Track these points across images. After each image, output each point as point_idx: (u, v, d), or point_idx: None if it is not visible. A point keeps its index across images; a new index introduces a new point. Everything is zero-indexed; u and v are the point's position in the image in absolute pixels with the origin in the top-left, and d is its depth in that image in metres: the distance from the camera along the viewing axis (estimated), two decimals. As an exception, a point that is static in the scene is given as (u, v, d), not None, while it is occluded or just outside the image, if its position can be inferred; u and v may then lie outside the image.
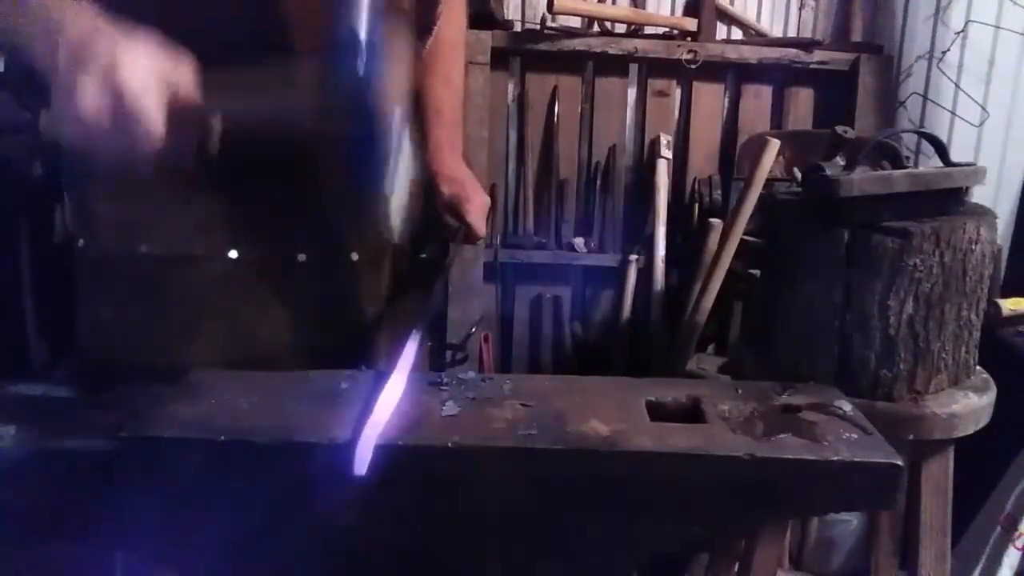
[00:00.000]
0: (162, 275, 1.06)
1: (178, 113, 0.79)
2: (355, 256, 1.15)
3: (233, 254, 1.08)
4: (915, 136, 2.01)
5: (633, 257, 2.59)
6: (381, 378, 0.93)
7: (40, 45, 0.82)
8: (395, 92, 0.80)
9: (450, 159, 1.33)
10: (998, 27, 2.31)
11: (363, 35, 0.78)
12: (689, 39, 2.53)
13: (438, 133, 1.32)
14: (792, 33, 2.67)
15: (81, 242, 1.10)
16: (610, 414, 0.92)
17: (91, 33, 0.80)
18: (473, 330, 2.44)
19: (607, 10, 2.56)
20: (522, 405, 0.95)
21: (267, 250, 1.09)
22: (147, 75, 0.78)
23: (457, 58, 1.38)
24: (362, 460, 0.81)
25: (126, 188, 1.06)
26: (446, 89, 1.33)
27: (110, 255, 1.08)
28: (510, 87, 2.60)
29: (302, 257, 1.11)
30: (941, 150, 1.29)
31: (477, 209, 1.31)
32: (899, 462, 0.87)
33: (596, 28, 2.57)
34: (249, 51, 1.00)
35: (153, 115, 0.77)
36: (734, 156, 2.59)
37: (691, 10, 2.59)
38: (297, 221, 1.11)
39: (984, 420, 1.23)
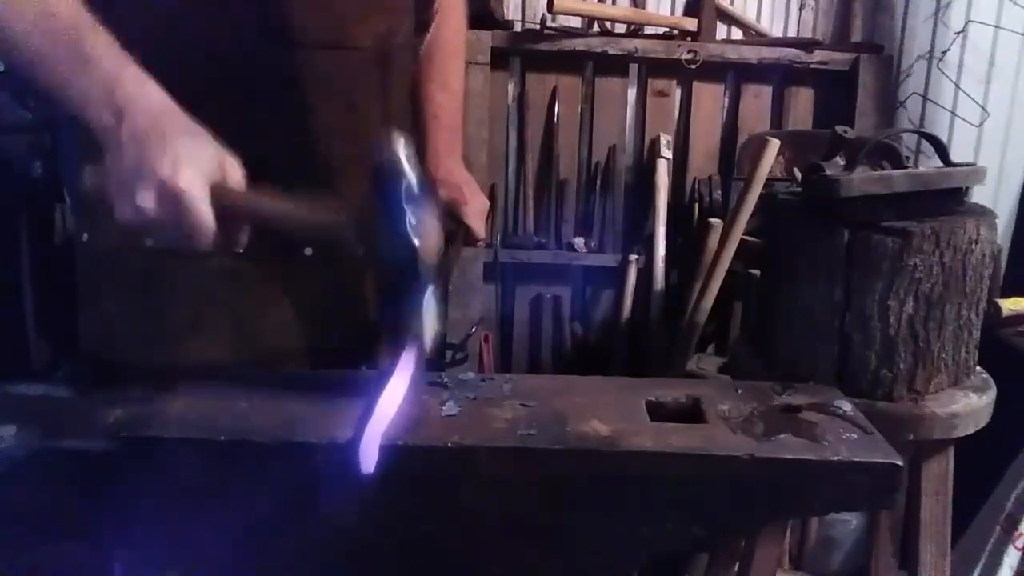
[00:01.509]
0: (166, 269, 1.06)
1: (225, 213, 0.83)
2: (361, 250, 1.15)
3: (238, 248, 1.08)
4: (915, 136, 2.01)
5: (633, 257, 2.59)
6: (383, 378, 0.93)
7: (102, 116, 0.85)
8: (429, 242, 0.86)
9: (447, 163, 1.33)
10: (998, 27, 2.31)
11: (406, 177, 0.85)
12: (689, 39, 2.53)
13: (435, 138, 1.32)
14: (792, 33, 2.67)
15: (85, 237, 1.11)
16: (610, 414, 0.92)
17: (154, 129, 0.83)
18: (473, 330, 2.44)
19: (607, 10, 2.56)
20: (522, 405, 0.95)
21: (272, 244, 1.10)
22: (204, 180, 0.82)
23: (456, 61, 1.38)
24: (368, 459, 0.81)
25: None
26: (444, 93, 1.33)
27: (114, 250, 1.08)
28: (510, 87, 2.60)
29: (308, 251, 1.11)
30: (941, 150, 1.29)
31: (475, 211, 1.31)
32: (899, 462, 0.87)
33: (596, 28, 2.57)
34: (252, 43, 1.00)
35: (206, 219, 0.81)
36: (734, 156, 2.59)
37: (691, 10, 2.59)
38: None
39: (984, 420, 1.24)
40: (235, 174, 0.86)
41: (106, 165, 0.84)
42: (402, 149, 0.85)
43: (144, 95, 0.86)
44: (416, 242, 0.84)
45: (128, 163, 0.82)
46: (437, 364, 1.97)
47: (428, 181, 1.31)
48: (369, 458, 0.81)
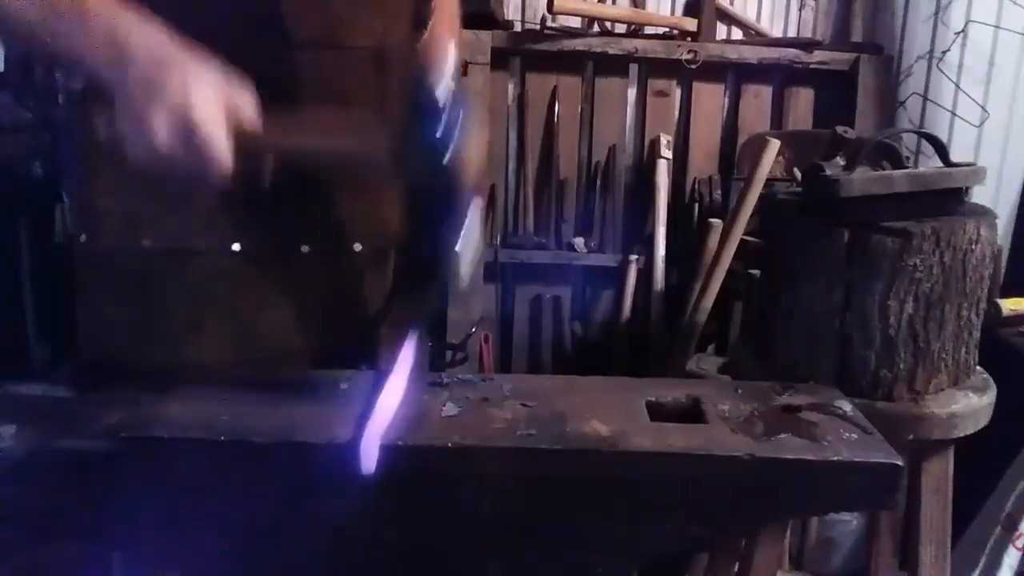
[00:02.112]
0: (165, 269, 1.06)
1: (242, 142, 0.81)
2: (358, 247, 1.15)
3: (236, 247, 1.08)
4: (915, 136, 2.01)
5: (633, 257, 2.59)
6: (381, 378, 0.93)
7: (106, 67, 0.84)
8: (471, 158, 0.84)
9: None
10: (998, 27, 2.30)
11: (443, 102, 0.81)
12: (689, 39, 2.53)
13: None
14: (792, 33, 2.67)
15: (83, 237, 1.11)
16: (610, 414, 0.92)
17: (160, 62, 0.82)
18: (473, 330, 2.44)
19: (607, 10, 2.56)
20: (522, 405, 0.95)
21: (270, 243, 1.09)
22: (216, 106, 0.80)
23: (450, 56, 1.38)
24: (368, 459, 0.81)
25: (128, 182, 1.06)
26: None
27: (113, 250, 1.08)
28: (510, 87, 2.60)
29: (305, 249, 1.11)
30: (941, 150, 1.29)
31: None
32: (899, 462, 0.87)
33: (596, 28, 2.57)
34: (248, 43, 1.00)
35: (222, 146, 0.79)
36: (734, 156, 2.59)
37: (691, 10, 2.59)
38: (300, 212, 1.11)
39: (984, 420, 1.23)
40: (249, 103, 0.83)
41: (116, 111, 0.82)
42: (446, 63, 0.82)
43: (144, 36, 0.84)
44: (456, 162, 0.80)
45: (136, 100, 0.80)
46: (438, 362, 1.97)
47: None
48: (369, 458, 0.81)
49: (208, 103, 0.79)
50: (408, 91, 0.83)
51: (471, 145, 0.83)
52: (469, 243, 0.84)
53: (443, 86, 0.82)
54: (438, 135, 0.80)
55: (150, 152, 0.79)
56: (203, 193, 0.82)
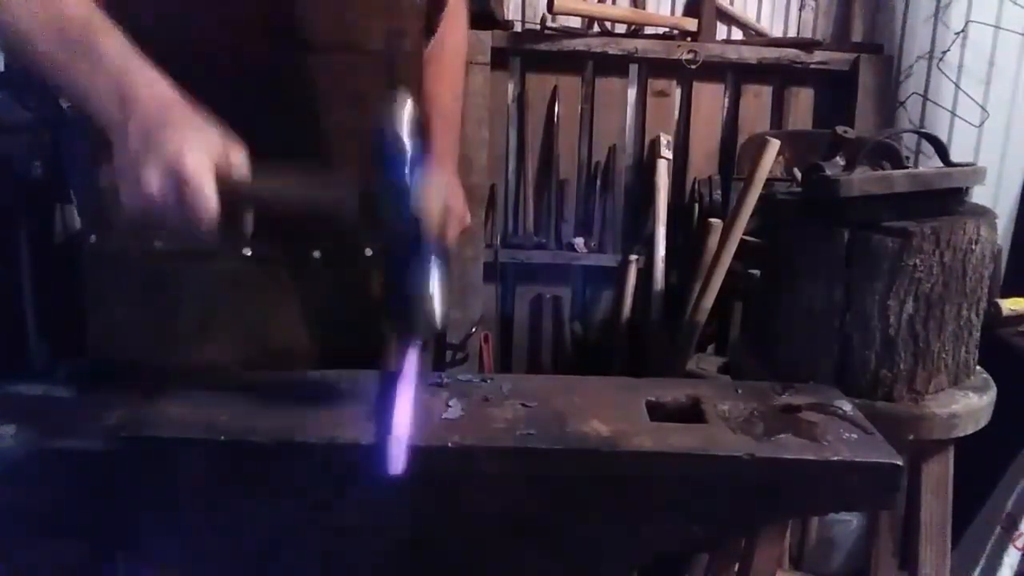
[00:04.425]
0: (176, 272, 1.06)
1: (230, 198, 0.83)
2: (369, 252, 1.15)
3: (247, 251, 1.08)
4: (915, 136, 2.01)
5: (633, 257, 2.59)
6: (392, 378, 0.93)
7: (110, 109, 0.86)
8: (434, 200, 0.86)
9: (446, 166, 1.33)
10: (998, 27, 2.30)
11: (409, 147, 0.84)
12: (689, 39, 2.53)
13: (443, 139, 1.33)
14: (792, 33, 2.67)
15: (93, 239, 1.10)
16: (610, 414, 0.92)
17: (161, 114, 0.84)
18: (473, 330, 2.44)
19: (607, 10, 2.56)
20: (522, 405, 0.95)
21: (281, 247, 1.09)
22: (207, 162, 0.82)
23: (460, 64, 1.38)
24: (396, 459, 0.81)
25: None
26: (450, 96, 1.34)
27: (123, 252, 1.08)
28: (510, 87, 2.60)
29: (316, 254, 1.11)
30: (941, 150, 1.29)
31: (453, 217, 1.31)
32: (899, 462, 0.87)
33: (596, 28, 2.57)
34: (262, 45, 1.00)
35: (210, 200, 0.81)
36: (734, 156, 2.59)
37: (691, 10, 2.59)
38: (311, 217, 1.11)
39: (984, 420, 1.24)
40: (239, 160, 0.86)
41: (114, 157, 0.84)
42: (405, 114, 0.84)
43: (150, 87, 0.86)
44: (419, 211, 0.83)
45: (134, 149, 0.82)
46: (438, 362, 1.96)
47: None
48: (397, 458, 0.81)
49: (200, 158, 0.81)
50: (374, 141, 0.85)
51: (432, 198, 0.85)
52: (437, 288, 0.87)
53: (407, 134, 0.84)
54: (403, 184, 0.84)
55: (142, 201, 0.81)
56: (192, 244, 0.84)
